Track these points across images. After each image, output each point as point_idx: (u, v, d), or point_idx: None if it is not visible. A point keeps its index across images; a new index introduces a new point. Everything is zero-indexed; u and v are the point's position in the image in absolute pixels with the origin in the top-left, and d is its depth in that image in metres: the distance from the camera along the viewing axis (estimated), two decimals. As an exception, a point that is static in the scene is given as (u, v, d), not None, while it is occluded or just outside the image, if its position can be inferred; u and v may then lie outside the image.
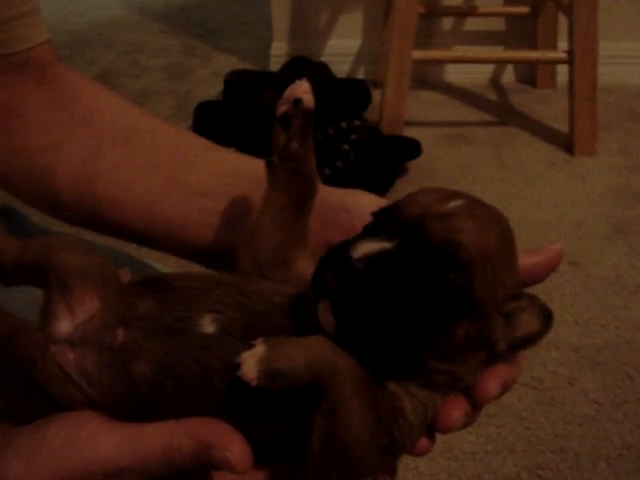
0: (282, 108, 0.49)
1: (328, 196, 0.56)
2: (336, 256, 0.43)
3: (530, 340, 0.46)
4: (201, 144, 0.67)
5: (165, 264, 0.77)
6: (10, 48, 0.64)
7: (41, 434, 0.45)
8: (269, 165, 0.50)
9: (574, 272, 1.41)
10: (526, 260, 0.49)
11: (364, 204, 0.55)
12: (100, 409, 0.46)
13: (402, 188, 1.69)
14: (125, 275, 0.52)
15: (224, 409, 0.45)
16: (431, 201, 0.44)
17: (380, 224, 0.44)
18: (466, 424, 0.48)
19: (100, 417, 0.46)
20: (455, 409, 0.47)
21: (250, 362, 0.40)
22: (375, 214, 0.46)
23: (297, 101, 0.48)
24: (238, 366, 0.41)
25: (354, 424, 0.43)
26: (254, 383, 0.41)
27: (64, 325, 0.47)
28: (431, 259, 0.42)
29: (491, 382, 0.47)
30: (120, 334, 0.46)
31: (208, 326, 0.45)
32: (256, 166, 0.61)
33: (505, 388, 0.48)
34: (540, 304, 0.46)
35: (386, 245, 0.42)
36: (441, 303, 0.42)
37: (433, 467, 1.01)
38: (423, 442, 0.48)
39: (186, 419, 0.44)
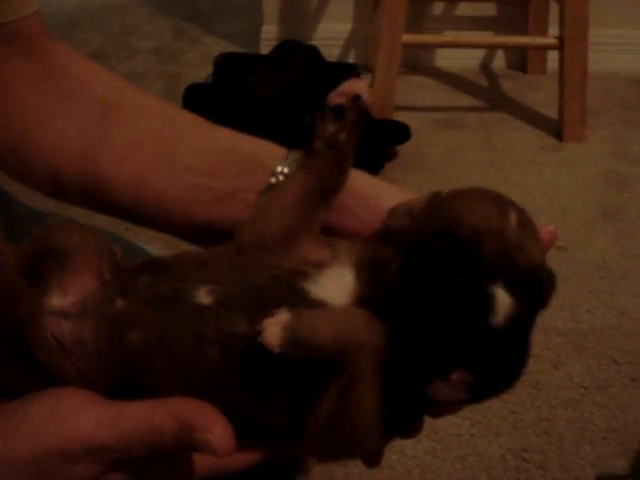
0: (339, 99, 0.49)
1: None
2: (474, 319, 0.40)
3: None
4: (192, 120, 0.66)
5: (154, 246, 0.77)
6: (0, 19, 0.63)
7: (22, 411, 0.45)
8: (309, 149, 0.51)
9: (561, 257, 1.42)
10: None
11: (357, 184, 0.55)
12: (89, 383, 0.46)
13: (391, 172, 1.69)
14: (117, 252, 0.52)
15: (215, 383, 0.45)
16: (492, 222, 0.44)
17: (467, 266, 0.42)
18: (457, 410, 0.48)
19: (83, 394, 0.46)
20: None
21: (274, 328, 0.40)
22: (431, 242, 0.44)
23: (357, 97, 0.49)
24: (257, 335, 0.41)
25: (366, 402, 0.43)
26: (277, 350, 0.40)
27: (58, 298, 0.47)
28: (532, 289, 0.42)
29: None
30: (118, 303, 0.46)
31: (204, 297, 0.45)
32: (249, 144, 0.60)
33: None
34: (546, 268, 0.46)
35: (509, 300, 0.41)
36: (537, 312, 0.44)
37: (418, 449, 1.01)
38: (414, 424, 0.49)
39: (169, 399, 0.44)
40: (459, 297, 0.40)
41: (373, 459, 0.50)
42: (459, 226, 0.43)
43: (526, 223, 0.45)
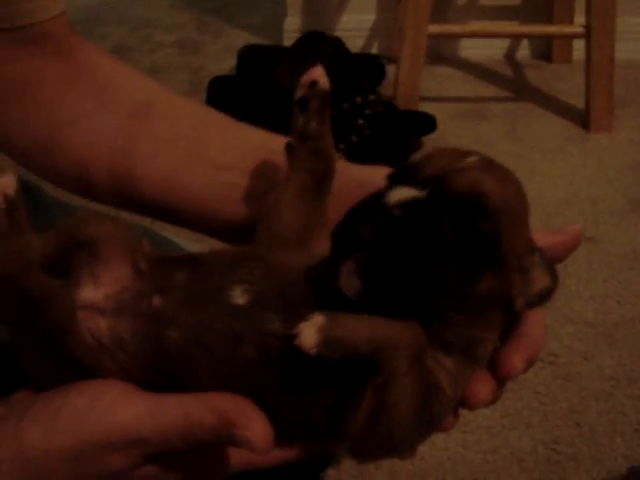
0: (299, 92, 0.51)
1: (346, 172, 0.56)
2: (368, 206, 0.42)
3: (545, 296, 0.46)
4: (222, 119, 0.67)
5: (181, 238, 0.77)
6: (25, 20, 0.63)
7: (60, 400, 0.45)
8: (288, 147, 0.52)
9: (590, 248, 1.40)
10: (547, 239, 0.49)
11: (380, 179, 0.55)
12: (128, 377, 0.46)
13: (417, 163, 1.68)
14: (145, 245, 0.52)
15: (253, 380, 0.45)
16: (449, 158, 0.44)
17: (403, 179, 0.44)
18: (492, 401, 0.48)
19: (122, 385, 0.46)
20: (483, 385, 0.47)
21: (309, 331, 0.40)
22: (393, 173, 0.46)
23: (313, 83, 0.51)
24: (293, 337, 0.41)
25: (404, 401, 0.43)
26: (313, 352, 0.40)
27: (91, 290, 0.47)
28: (461, 208, 0.42)
29: (516, 357, 0.47)
30: (156, 301, 0.46)
31: (239, 297, 0.46)
32: (279, 143, 0.61)
33: (530, 363, 0.48)
34: (547, 259, 0.46)
35: (418, 193, 0.42)
36: (471, 252, 0.42)
37: (449, 441, 1.01)
38: (450, 419, 0.48)
39: (209, 393, 0.44)
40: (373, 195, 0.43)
41: (407, 454, 0.50)
42: (420, 160, 0.45)
43: (490, 168, 0.44)
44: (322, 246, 0.50)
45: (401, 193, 0.42)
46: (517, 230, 0.44)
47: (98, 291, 0.47)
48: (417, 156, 0.46)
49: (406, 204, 0.41)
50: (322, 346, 0.40)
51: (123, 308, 0.46)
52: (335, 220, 0.53)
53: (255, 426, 0.42)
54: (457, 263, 0.42)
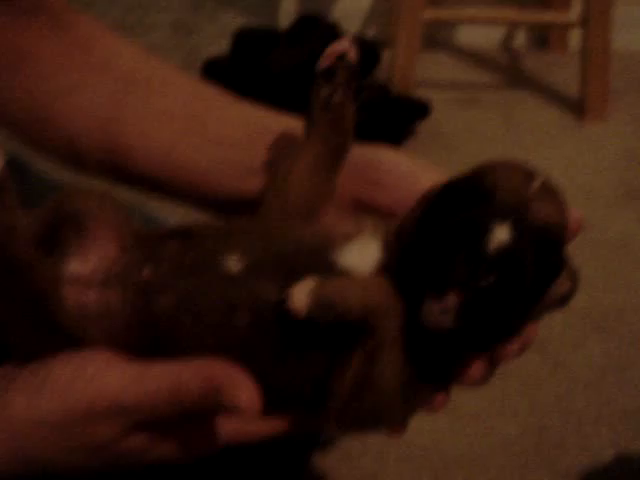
0: (326, 62, 0.50)
1: (353, 151, 0.55)
2: (470, 245, 0.41)
3: (562, 301, 0.47)
4: (220, 95, 0.66)
5: (175, 219, 0.76)
6: None
7: (46, 370, 0.45)
8: (309, 117, 0.52)
9: (582, 237, 1.39)
10: None
11: (391, 160, 0.55)
12: (116, 347, 0.46)
13: (411, 149, 1.68)
14: (133, 221, 0.52)
15: (243, 349, 0.45)
16: (514, 181, 0.44)
17: (474, 201, 0.43)
18: (483, 379, 0.48)
19: (107, 354, 0.45)
20: (474, 363, 0.47)
21: (300, 294, 0.41)
22: (459, 192, 0.44)
23: (342, 56, 0.50)
24: (283, 301, 0.41)
25: (391, 368, 0.43)
26: (303, 315, 0.40)
27: (78, 265, 0.47)
28: (542, 246, 0.42)
29: (514, 344, 0.47)
30: (146, 271, 0.46)
31: (234, 265, 0.46)
32: (278, 119, 0.61)
33: (524, 348, 0.48)
34: (570, 265, 0.46)
35: (507, 234, 0.41)
36: (548, 281, 0.43)
37: (436, 426, 1.01)
38: (439, 397, 0.48)
39: (196, 359, 0.44)
40: (462, 226, 0.41)
41: (396, 428, 0.50)
42: (482, 178, 0.43)
43: (551, 191, 0.44)
44: (328, 219, 0.52)
45: (500, 235, 0.41)
46: None
47: (85, 265, 0.47)
48: (478, 171, 0.45)
49: (503, 250, 0.41)
50: (312, 309, 0.40)
51: (111, 280, 0.46)
52: (340, 197, 0.53)
53: (243, 390, 0.42)
54: (536, 295, 0.43)
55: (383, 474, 0.94)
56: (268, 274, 0.45)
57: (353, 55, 0.50)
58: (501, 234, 0.41)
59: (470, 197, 0.42)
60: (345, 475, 0.92)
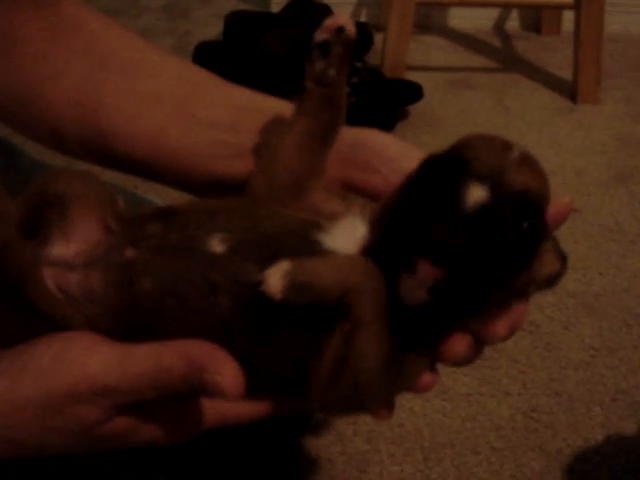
0: (322, 35, 0.49)
1: (343, 133, 0.55)
2: (444, 207, 0.40)
3: (552, 281, 0.46)
4: (209, 77, 0.66)
5: (163, 200, 0.76)
6: None
7: (29, 353, 0.45)
8: (302, 91, 0.50)
9: (574, 219, 1.40)
10: None
11: (380, 142, 0.55)
12: (97, 329, 0.46)
13: (403, 132, 1.67)
14: (119, 202, 0.51)
15: (225, 329, 0.44)
16: (493, 152, 0.43)
17: (453, 171, 0.42)
18: (468, 358, 0.48)
19: (90, 337, 0.45)
20: (457, 338, 0.46)
21: (275, 276, 0.40)
22: (435, 162, 0.44)
23: (340, 29, 0.48)
24: (259, 284, 0.41)
25: (371, 349, 0.42)
26: (278, 296, 0.40)
27: (60, 247, 0.47)
28: (520, 208, 0.41)
29: (499, 322, 0.47)
30: (129, 252, 0.46)
31: (217, 245, 0.45)
32: (267, 102, 0.60)
33: (513, 330, 0.48)
34: (558, 245, 0.46)
35: (483, 195, 0.40)
36: (528, 248, 0.42)
37: (427, 408, 1.01)
38: (427, 377, 0.48)
39: (178, 340, 0.44)
40: (435, 193, 0.40)
41: (383, 412, 0.50)
42: (460, 150, 0.43)
43: (529, 160, 0.44)
44: (317, 198, 0.50)
45: (475, 195, 0.39)
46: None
47: (68, 248, 0.47)
48: (456, 144, 0.44)
49: (485, 213, 0.39)
50: (288, 291, 0.40)
51: (94, 262, 0.46)
52: (331, 178, 0.53)
53: (225, 371, 0.42)
54: (516, 259, 0.42)
55: (374, 455, 0.94)
56: (252, 255, 0.44)
57: (352, 29, 0.49)
58: (476, 193, 0.39)
59: (448, 169, 0.41)
60: (336, 456, 0.93)
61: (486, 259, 0.39)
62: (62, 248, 0.46)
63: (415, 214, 0.40)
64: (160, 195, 0.82)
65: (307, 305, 0.41)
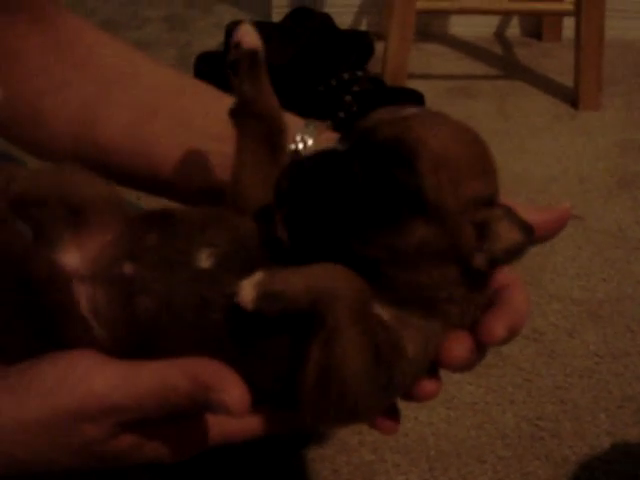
0: (230, 56, 0.50)
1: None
2: (291, 162, 0.44)
3: (512, 252, 0.43)
4: (206, 89, 0.66)
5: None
6: None
7: (33, 372, 0.45)
8: (232, 114, 0.51)
9: (577, 226, 1.40)
10: (535, 217, 0.48)
11: None
12: (101, 348, 0.46)
13: (404, 141, 1.67)
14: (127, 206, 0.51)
15: (220, 344, 0.44)
16: (387, 113, 0.44)
17: (340, 138, 0.45)
18: (469, 363, 0.48)
19: (95, 355, 0.45)
20: (458, 342, 0.46)
21: (247, 287, 0.40)
22: (340, 135, 0.46)
23: (237, 45, 0.49)
24: (235, 296, 0.41)
25: (350, 355, 0.42)
26: (250, 307, 0.40)
27: (73, 258, 0.46)
28: (377, 155, 0.42)
29: (496, 323, 0.47)
30: (128, 267, 0.46)
31: (204, 260, 0.45)
32: None
33: (511, 333, 0.47)
34: (518, 217, 0.44)
35: (337, 147, 0.42)
36: (388, 199, 0.41)
37: (433, 417, 1.01)
38: (428, 384, 0.48)
39: (184, 359, 0.44)
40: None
41: (388, 423, 0.49)
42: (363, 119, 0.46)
43: (431, 119, 0.44)
44: None
45: (319, 149, 0.42)
46: (455, 179, 0.42)
47: (79, 258, 0.47)
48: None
49: (319, 157, 0.42)
50: (259, 301, 0.40)
51: (98, 274, 0.46)
52: None
53: (232, 389, 0.42)
54: (376, 213, 0.42)
55: (380, 465, 0.94)
56: (235, 268, 0.45)
57: (249, 41, 0.49)
58: (315, 148, 0.43)
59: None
60: (342, 466, 0.92)
61: (311, 200, 0.42)
62: (73, 257, 0.46)
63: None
64: (162, 206, 0.82)
65: (290, 315, 0.41)
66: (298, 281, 0.41)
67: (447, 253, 0.43)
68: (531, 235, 0.44)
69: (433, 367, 0.48)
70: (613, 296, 1.25)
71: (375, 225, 0.41)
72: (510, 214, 0.44)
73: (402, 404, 0.51)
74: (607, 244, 1.37)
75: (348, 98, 1.64)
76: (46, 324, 0.45)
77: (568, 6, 1.82)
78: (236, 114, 0.51)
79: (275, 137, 0.52)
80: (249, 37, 0.50)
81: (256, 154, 0.51)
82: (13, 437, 0.44)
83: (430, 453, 0.96)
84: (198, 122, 0.62)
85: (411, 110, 0.44)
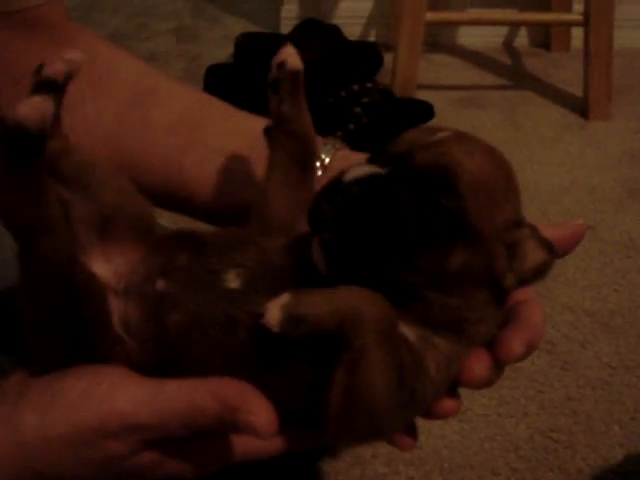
0: (271, 75, 0.51)
1: (350, 159, 0.55)
2: (330, 186, 0.43)
3: (539, 272, 0.45)
4: (222, 106, 0.67)
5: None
6: (21, 4, 0.62)
7: (58, 385, 0.45)
8: (267, 132, 0.52)
9: (588, 236, 1.39)
10: (550, 234, 0.49)
11: None
12: (130, 362, 0.46)
13: (414, 152, 1.67)
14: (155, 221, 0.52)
15: (245, 362, 0.45)
16: (419, 135, 0.44)
17: (372, 160, 0.45)
18: (489, 380, 0.48)
19: (120, 371, 0.45)
20: (477, 361, 0.46)
21: (274, 309, 0.40)
22: (371, 155, 0.47)
23: (281, 64, 0.50)
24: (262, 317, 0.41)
25: (376, 377, 0.42)
26: (276, 329, 0.40)
27: (104, 270, 0.47)
28: (422, 182, 0.42)
29: (515, 340, 0.47)
30: (160, 284, 0.46)
31: (233, 281, 0.46)
32: None
33: (529, 348, 0.47)
34: (540, 235, 0.45)
35: (377, 170, 0.42)
36: (436, 227, 0.42)
37: (446, 429, 1.01)
38: (448, 402, 0.48)
39: (210, 379, 0.44)
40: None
41: (406, 440, 0.49)
42: (394, 142, 0.46)
43: (466, 142, 0.44)
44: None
45: (359, 171, 0.42)
46: (492, 203, 0.43)
47: (108, 271, 0.47)
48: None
49: (364, 181, 0.41)
50: (285, 323, 0.40)
51: (131, 290, 0.46)
52: None
53: (259, 411, 0.42)
54: (421, 238, 0.42)
55: (393, 478, 0.93)
56: (262, 289, 0.45)
57: (293, 62, 0.51)
58: (356, 171, 0.42)
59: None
60: (355, 479, 0.92)
61: (358, 225, 0.41)
62: (103, 268, 0.47)
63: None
64: (183, 223, 0.83)
65: (315, 337, 0.41)
66: (324, 303, 0.41)
67: (483, 275, 0.43)
68: (554, 253, 0.45)
69: (452, 385, 0.48)
70: (625, 306, 1.25)
71: (419, 250, 0.42)
72: (535, 234, 0.45)
73: (413, 419, 0.51)
74: (618, 254, 1.37)
75: (358, 109, 1.64)
76: (80, 335, 0.45)
77: (577, 16, 1.82)
78: (271, 133, 0.52)
79: (307, 158, 0.52)
80: (293, 58, 0.51)
81: (286, 174, 0.51)
82: (37, 451, 0.44)
83: (444, 465, 0.96)
84: (213, 139, 0.62)
85: (443, 133, 0.44)
